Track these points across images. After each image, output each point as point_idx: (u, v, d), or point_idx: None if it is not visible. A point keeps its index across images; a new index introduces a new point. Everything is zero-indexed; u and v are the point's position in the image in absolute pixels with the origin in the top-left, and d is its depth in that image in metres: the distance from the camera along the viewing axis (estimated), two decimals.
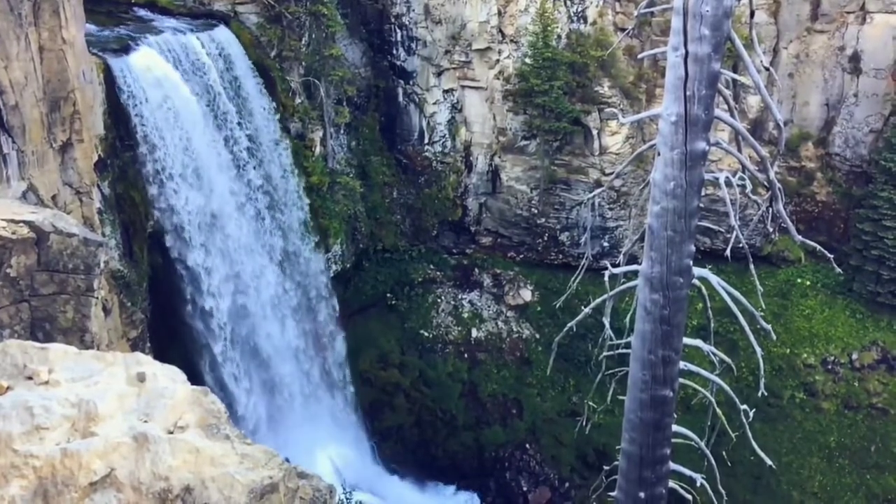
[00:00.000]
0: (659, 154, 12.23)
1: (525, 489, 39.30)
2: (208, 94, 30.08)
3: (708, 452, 15.71)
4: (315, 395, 37.14)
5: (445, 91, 41.41)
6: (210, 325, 30.73)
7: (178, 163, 28.48)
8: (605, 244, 42.22)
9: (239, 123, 31.69)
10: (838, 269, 17.49)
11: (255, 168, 32.73)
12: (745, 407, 14.81)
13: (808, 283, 41.81)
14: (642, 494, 14.54)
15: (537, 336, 41.97)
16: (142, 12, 31.83)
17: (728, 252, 14.60)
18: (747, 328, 14.54)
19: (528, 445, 40.02)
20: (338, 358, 38.89)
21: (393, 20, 40.37)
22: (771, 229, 14.14)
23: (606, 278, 15.00)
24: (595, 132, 40.21)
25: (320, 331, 37.79)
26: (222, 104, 30.74)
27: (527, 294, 43.00)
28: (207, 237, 30.30)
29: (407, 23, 40.25)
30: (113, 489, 7.28)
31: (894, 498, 37.53)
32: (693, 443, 15.66)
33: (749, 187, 13.98)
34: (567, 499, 38.94)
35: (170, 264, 29.54)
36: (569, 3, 39.09)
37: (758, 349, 14.81)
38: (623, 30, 38.60)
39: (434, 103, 41.64)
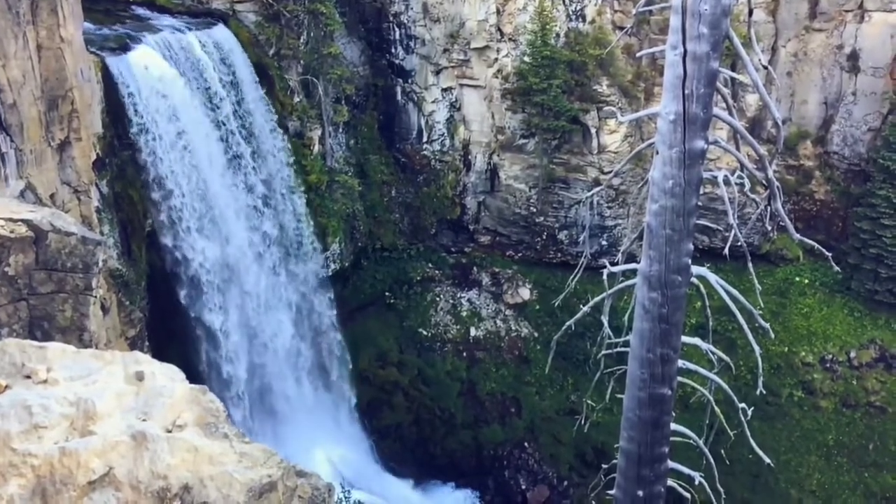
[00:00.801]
0: (657, 152, 12.23)
1: (524, 487, 39.29)
2: (219, 130, 29.62)
3: (706, 451, 15.70)
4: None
5: (444, 89, 41.38)
6: (229, 390, 30.15)
7: (195, 214, 27.68)
8: (604, 243, 42.21)
9: (254, 168, 30.92)
10: (836, 268, 17.45)
11: (269, 219, 32.11)
12: (743, 405, 14.80)
13: (807, 281, 41.82)
14: (641, 493, 14.55)
15: (536, 335, 41.95)
16: (140, 11, 31.76)
17: (727, 250, 14.57)
18: (746, 326, 14.54)
19: (526, 444, 40.02)
20: (350, 409, 38.83)
21: (391, 18, 40.33)
22: (769, 228, 14.18)
23: (605, 277, 14.98)
24: (594, 131, 40.20)
25: (335, 391, 37.77)
26: (235, 144, 30.14)
27: (525, 293, 42.98)
28: (226, 295, 29.34)
29: (405, 21, 40.22)
30: (111, 488, 7.27)
31: (892, 496, 37.57)
32: (692, 441, 15.66)
33: (747, 186, 13.98)
34: (565, 497, 38.94)
35: (185, 317, 28.92)
36: (567, 1, 39.06)
37: (756, 347, 14.82)
38: (621, 28, 38.58)
39: (433, 102, 41.61)
